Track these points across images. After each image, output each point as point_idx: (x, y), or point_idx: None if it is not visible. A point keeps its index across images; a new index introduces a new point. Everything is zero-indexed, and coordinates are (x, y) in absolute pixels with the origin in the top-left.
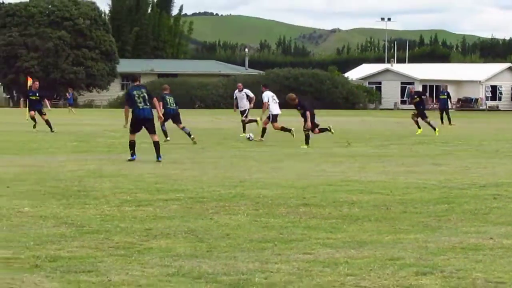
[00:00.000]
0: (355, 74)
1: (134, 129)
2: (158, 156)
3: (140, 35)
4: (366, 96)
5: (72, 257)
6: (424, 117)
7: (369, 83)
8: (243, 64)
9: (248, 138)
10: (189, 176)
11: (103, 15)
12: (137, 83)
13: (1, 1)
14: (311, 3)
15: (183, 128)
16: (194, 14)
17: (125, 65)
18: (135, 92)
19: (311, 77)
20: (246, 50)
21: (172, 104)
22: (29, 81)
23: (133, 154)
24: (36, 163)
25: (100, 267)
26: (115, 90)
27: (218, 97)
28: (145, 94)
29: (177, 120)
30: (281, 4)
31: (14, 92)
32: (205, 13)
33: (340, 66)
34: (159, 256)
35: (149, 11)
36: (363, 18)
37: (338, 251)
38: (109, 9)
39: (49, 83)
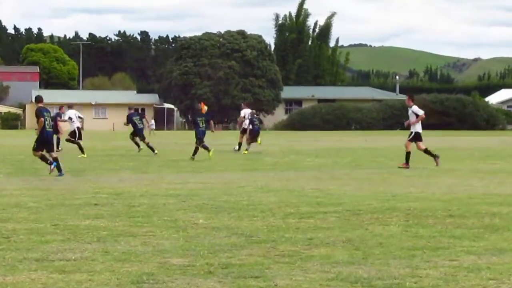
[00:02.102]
0: (495, 99)
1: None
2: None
3: (302, 65)
4: (505, 118)
5: (242, 264)
6: None
7: (508, 106)
8: (394, 90)
9: None
10: (346, 190)
11: (268, 47)
12: (41, 104)
13: (177, 35)
14: (455, 35)
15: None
16: (350, 46)
17: (288, 92)
18: (45, 113)
19: (455, 101)
20: (397, 77)
21: (203, 126)
22: (203, 107)
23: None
24: (209, 180)
25: (267, 273)
26: (280, 114)
27: (372, 119)
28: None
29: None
30: (428, 36)
31: (188, 116)
32: (360, 45)
33: (481, 91)
34: (320, 263)
35: (309, 43)
36: (503, 48)
37: (480, 257)
38: (274, 41)
39: (220, 108)
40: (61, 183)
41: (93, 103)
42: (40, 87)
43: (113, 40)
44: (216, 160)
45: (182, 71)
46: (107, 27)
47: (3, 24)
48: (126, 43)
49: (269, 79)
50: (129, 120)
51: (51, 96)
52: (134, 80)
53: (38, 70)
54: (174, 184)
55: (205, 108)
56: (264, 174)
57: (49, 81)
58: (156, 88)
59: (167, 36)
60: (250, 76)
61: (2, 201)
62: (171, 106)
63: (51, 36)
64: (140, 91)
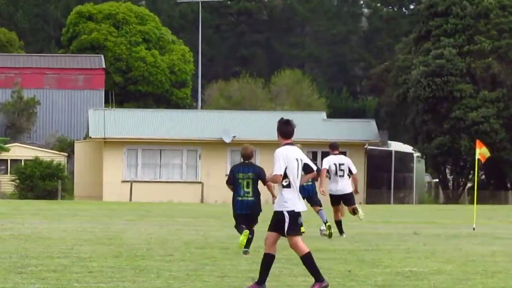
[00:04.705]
0: None
1: None
2: None
3: None
4: None
5: None
6: None
7: None
8: None
9: None
10: None
11: None
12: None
13: None
14: None
15: None
16: None
17: None
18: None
19: None
20: None
21: None
22: (479, 149)
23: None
24: None
25: None
26: None
27: None
28: None
29: None
30: None
31: (446, 169)
32: None
33: None
34: None
35: None
36: None
37: None
38: None
39: None
40: None
41: (227, 141)
42: (108, 102)
43: None
44: None
45: (431, 67)
46: None
47: None
48: (303, 3)
49: None
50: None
51: (125, 126)
52: (321, 88)
53: (104, 65)
54: None
55: (484, 153)
56: None
57: (127, 90)
58: (370, 107)
59: None
60: None
61: None
62: (407, 148)
63: None
64: (335, 112)
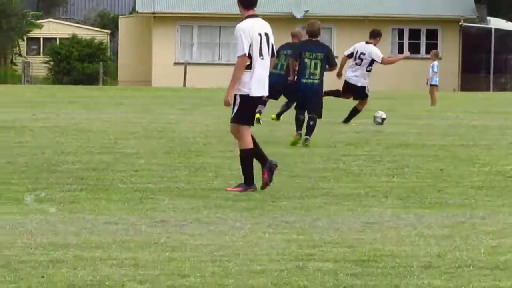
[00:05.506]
0: None
1: None
2: None
3: None
4: None
5: None
6: None
7: None
8: None
9: None
10: None
11: None
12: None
13: None
14: None
15: None
16: None
17: None
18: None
19: None
20: None
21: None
22: None
23: None
24: None
25: None
26: None
27: None
28: None
29: None
30: None
31: None
32: None
33: None
34: None
35: None
36: None
37: None
38: None
39: None
40: None
41: (297, 16)
42: None
43: None
44: None
45: None
46: None
47: None
48: None
49: None
50: None
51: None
52: None
53: None
54: None
55: None
56: None
57: None
58: None
59: None
60: None
61: None
62: (510, 25)
63: None
64: None
